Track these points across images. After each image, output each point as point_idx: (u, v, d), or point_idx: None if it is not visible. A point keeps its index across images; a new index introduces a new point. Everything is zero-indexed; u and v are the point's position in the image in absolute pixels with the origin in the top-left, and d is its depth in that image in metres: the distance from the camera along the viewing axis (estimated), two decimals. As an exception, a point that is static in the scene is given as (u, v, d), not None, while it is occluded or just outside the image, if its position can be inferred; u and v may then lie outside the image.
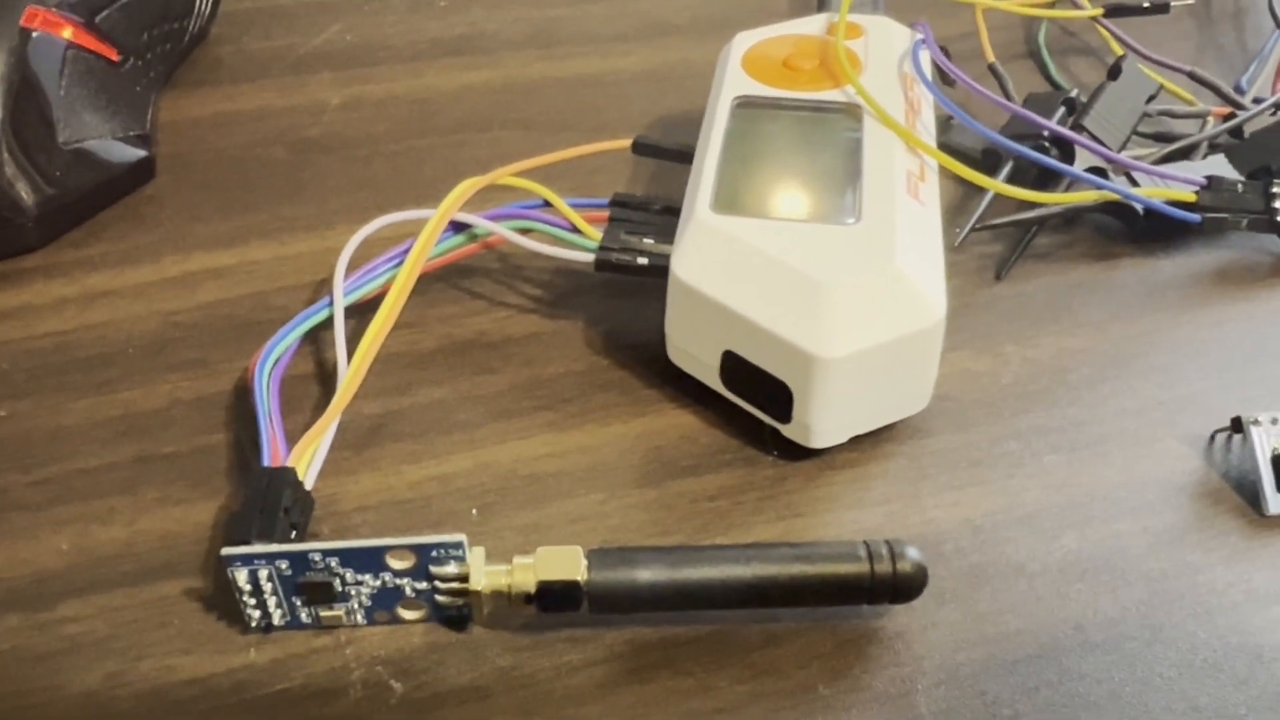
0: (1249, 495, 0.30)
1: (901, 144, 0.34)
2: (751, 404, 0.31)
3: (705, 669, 0.26)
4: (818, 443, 0.30)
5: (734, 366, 0.30)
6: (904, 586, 0.26)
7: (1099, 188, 0.35)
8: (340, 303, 0.32)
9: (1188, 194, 0.36)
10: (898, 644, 0.27)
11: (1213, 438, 0.31)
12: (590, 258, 0.33)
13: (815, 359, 0.28)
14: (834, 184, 0.32)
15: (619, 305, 0.35)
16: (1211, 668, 0.26)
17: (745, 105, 0.35)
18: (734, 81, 0.36)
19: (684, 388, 0.32)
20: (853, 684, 0.26)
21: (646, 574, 0.26)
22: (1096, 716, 0.25)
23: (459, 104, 0.45)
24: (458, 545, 0.25)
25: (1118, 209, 0.37)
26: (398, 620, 0.27)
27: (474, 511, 0.29)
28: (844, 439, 0.30)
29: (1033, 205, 0.37)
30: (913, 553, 0.26)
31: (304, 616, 0.26)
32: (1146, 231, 0.38)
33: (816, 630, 0.27)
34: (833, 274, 0.29)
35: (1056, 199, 0.36)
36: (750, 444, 0.31)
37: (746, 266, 0.30)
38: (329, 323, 0.33)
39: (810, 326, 0.29)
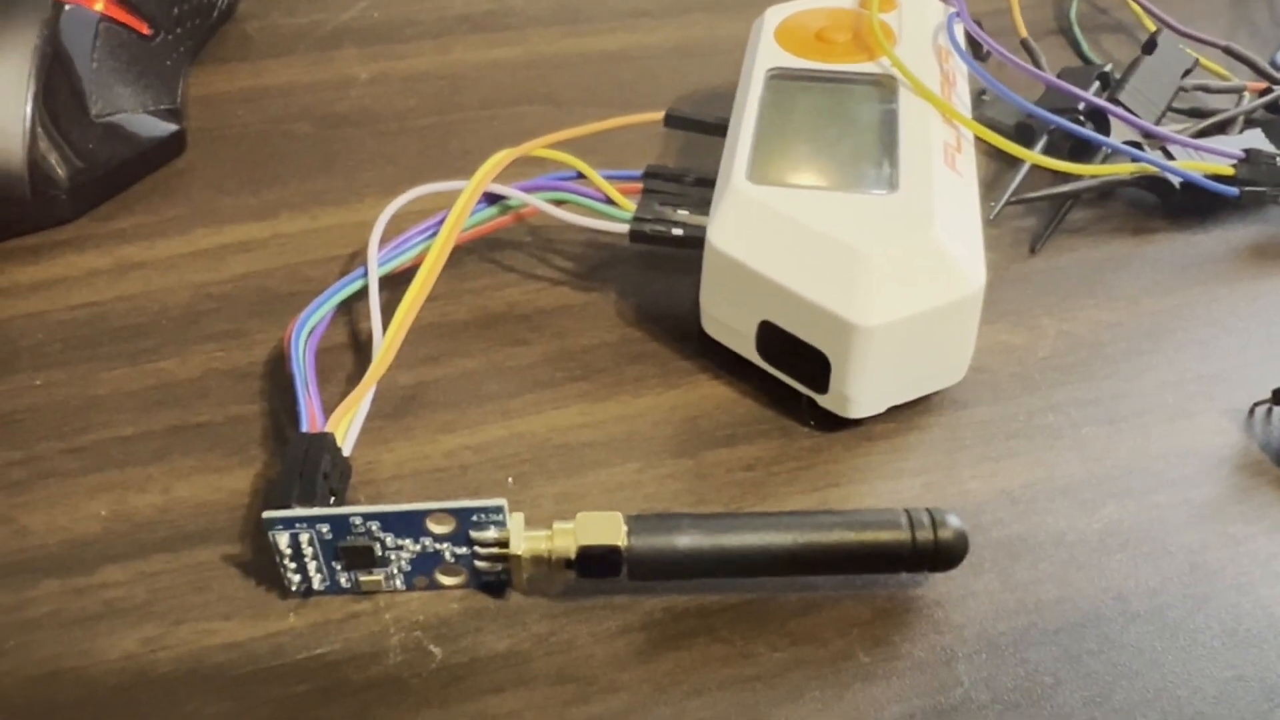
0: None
1: (937, 116, 0.34)
2: (789, 375, 0.31)
3: (743, 636, 0.26)
4: (855, 413, 0.30)
5: (771, 337, 0.30)
6: (945, 554, 0.26)
7: (1136, 159, 0.35)
8: (375, 273, 0.32)
9: (1225, 167, 0.36)
10: (937, 612, 0.26)
11: (1252, 410, 0.31)
12: (624, 229, 0.33)
13: (854, 327, 0.28)
14: (870, 155, 0.32)
15: (651, 277, 0.35)
16: (1255, 638, 0.26)
17: (779, 77, 0.35)
18: (767, 54, 0.36)
19: (718, 359, 0.32)
20: (893, 652, 0.26)
21: (686, 540, 0.25)
22: (1139, 684, 0.25)
23: (486, 80, 0.45)
24: (498, 510, 0.25)
25: (1153, 183, 0.37)
26: (437, 586, 0.27)
27: (510, 480, 0.29)
28: (881, 409, 0.30)
29: (1067, 179, 0.36)
30: (954, 520, 0.26)
31: (343, 581, 0.26)
32: (1182, 206, 0.37)
33: (854, 598, 0.27)
34: (871, 243, 0.29)
35: (1092, 170, 0.36)
36: (786, 415, 0.31)
37: (783, 236, 0.30)
38: (362, 294, 0.33)
39: (849, 295, 0.28)
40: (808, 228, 0.29)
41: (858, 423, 0.31)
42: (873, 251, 0.29)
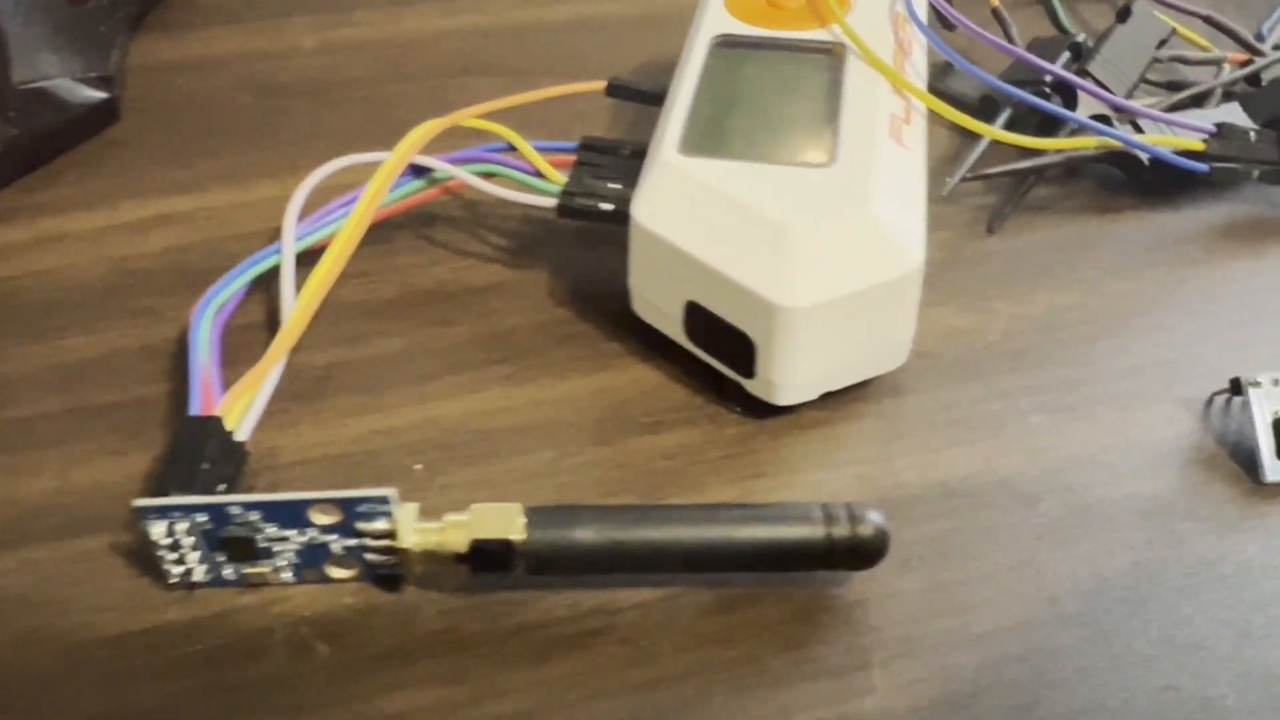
0: (1246, 462, 0.28)
1: (887, 86, 0.32)
2: (716, 358, 0.29)
3: (649, 636, 0.24)
4: (783, 399, 0.28)
5: (697, 318, 0.29)
6: (863, 552, 0.24)
7: (1100, 134, 0.33)
8: (290, 249, 0.31)
9: (1196, 142, 0.34)
10: (856, 613, 0.25)
11: (1211, 400, 0.29)
12: (553, 203, 0.31)
13: (778, 308, 0.27)
14: (811, 125, 0.30)
15: (587, 254, 0.34)
16: (1194, 646, 0.24)
17: (724, 44, 0.33)
18: (714, 20, 0.34)
19: (649, 341, 0.31)
20: (804, 655, 0.24)
21: (587, 534, 0.24)
22: (1066, 695, 0.23)
23: (437, 49, 0.43)
24: (384, 500, 0.24)
25: (1121, 159, 0.35)
26: (327, 579, 0.25)
27: (419, 467, 0.28)
28: (813, 396, 0.29)
29: (1030, 154, 0.35)
30: (874, 516, 0.24)
31: (228, 573, 0.25)
32: (1152, 183, 0.35)
33: (771, 597, 0.25)
34: (801, 218, 0.27)
35: (1054, 144, 0.34)
36: (715, 401, 0.29)
37: (710, 211, 0.28)
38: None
39: (774, 274, 0.27)
40: (735, 202, 0.28)
41: (789, 410, 0.29)
42: (801, 228, 0.27)
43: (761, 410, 0.29)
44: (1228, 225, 0.35)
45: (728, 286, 0.27)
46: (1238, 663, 0.24)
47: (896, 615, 0.25)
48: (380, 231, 0.34)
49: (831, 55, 0.33)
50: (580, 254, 0.34)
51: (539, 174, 0.32)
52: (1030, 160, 0.35)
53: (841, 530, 0.24)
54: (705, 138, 0.30)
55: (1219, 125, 0.34)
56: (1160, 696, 0.23)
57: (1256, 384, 0.28)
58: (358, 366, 0.30)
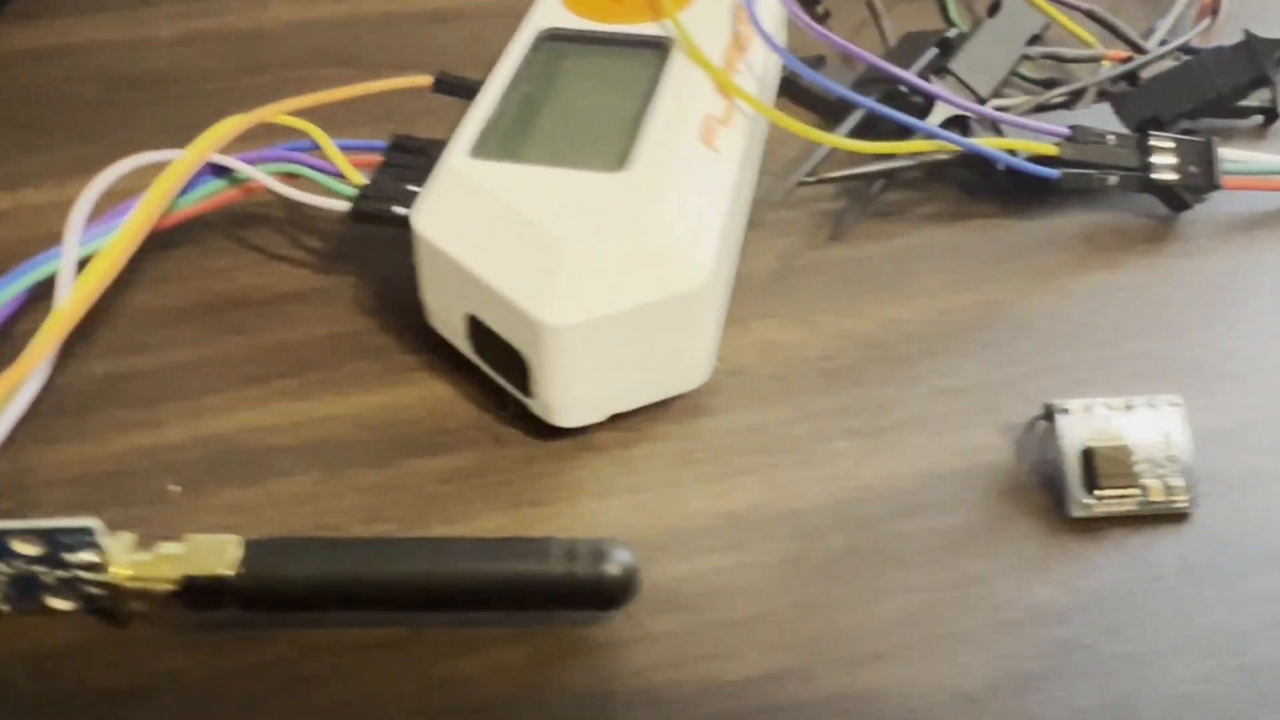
0: (1056, 494, 0.26)
1: (709, 85, 0.30)
2: (500, 375, 0.27)
3: (377, 681, 0.23)
4: (564, 420, 0.27)
5: (479, 333, 0.27)
6: (608, 593, 0.22)
7: (942, 139, 0.31)
8: (73, 253, 0.29)
9: (1049, 146, 0.32)
10: (603, 657, 0.23)
11: (1032, 426, 0.27)
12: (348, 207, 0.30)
13: (543, 326, 0.25)
14: (615, 127, 0.28)
15: (403, 262, 0.32)
16: (967, 700, 0.22)
17: (549, 38, 0.32)
18: (546, 12, 0.33)
19: (448, 356, 0.29)
20: (536, 703, 0.22)
21: (306, 570, 0.22)
22: (813, 752, 0.22)
23: (298, 40, 0.41)
24: (88, 531, 0.22)
25: (978, 164, 0.33)
26: (48, 611, 0.24)
27: (176, 488, 0.26)
28: (599, 417, 0.27)
29: (876, 159, 0.33)
30: (621, 555, 0.23)
31: (-61, 604, 0.23)
32: (1012, 189, 0.33)
33: (516, 638, 0.23)
34: (575, 229, 0.25)
35: (887, 148, 0.31)
36: (505, 421, 0.28)
37: (489, 220, 0.26)
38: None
39: (543, 289, 0.25)
40: (514, 211, 0.26)
41: (580, 431, 0.27)
42: (573, 239, 0.25)
43: (549, 432, 0.27)
44: (1086, 235, 0.33)
45: (498, 301, 0.26)
46: (1015, 716, 0.22)
47: (649, 660, 0.23)
48: (193, 233, 0.32)
49: (659, 51, 0.31)
50: (397, 261, 0.32)
51: (341, 175, 0.30)
52: (876, 164, 0.33)
53: (583, 569, 0.22)
54: (503, 140, 0.28)
55: (1073, 129, 0.32)
56: (914, 756, 0.22)
57: (1065, 411, 0.26)
58: (138, 378, 0.29)
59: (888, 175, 0.33)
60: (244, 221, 0.33)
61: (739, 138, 0.30)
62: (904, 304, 0.31)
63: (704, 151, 0.28)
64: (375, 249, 0.32)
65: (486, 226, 0.26)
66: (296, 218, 0.33)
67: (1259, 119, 0.36)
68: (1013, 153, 0.32)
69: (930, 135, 0.31)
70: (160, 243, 0.32)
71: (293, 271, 0.32)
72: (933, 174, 0.35)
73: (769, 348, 0.29)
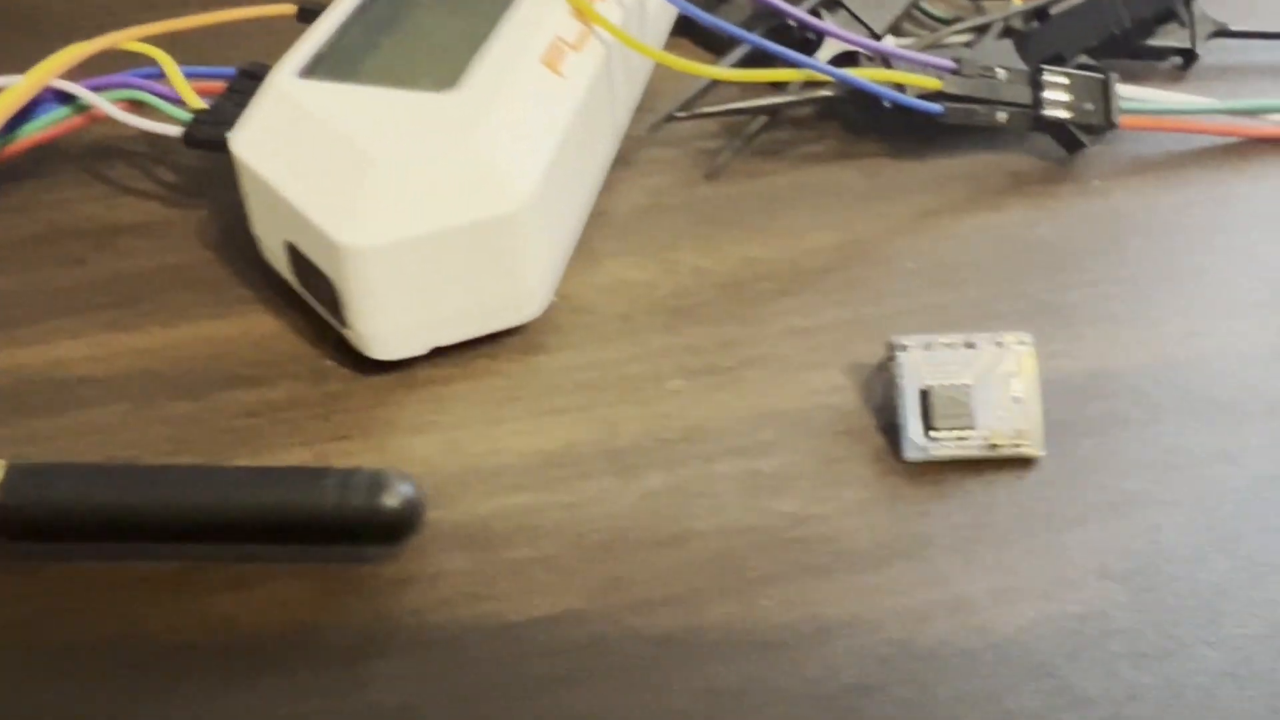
0: (895, 437, 0.24)
1: (563, 8, 0.28)
2: (321, 305, 0.26)
3: (147, 615, 0.22)
4: (379, 352, 0.25)
5: (298, 261, 0.26)
6: (387, 526, 0.21)
7: (813, 70, 0.29)
8: (-100, 178, 0.28)
9: (935, 81, 0.30)
10: (385, 595, 0.22)
11: (882, 367, 0.26)
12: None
13: (344, 249, 0.23)
14: (458, 46, 0.27)
15: (254, 194, 0.31)
16: (763, 646, 0.21)
17: (409, -39, 0.30)
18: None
19: (282, 290, 0.28)
20: (306, 640, 0.21)
21: (68, 497, 0.21)
22: (570, 698, 0.20)
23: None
24: None
25: (870, 103, 0.31)
26: None
27: (-25, 418, 0.25)
28: (419, 350, 0.26)
29: (773, 94, 0.31)
30: (403, 488, 0.21)
31: None
32: (906, 131, 0.32)
33: (300, 574, 0.22)
34: (391, 149, 0.24)
35: (754, 76, 0.30)
36: (329, 355, 0.26)
37: (306, 142, 0.25)
38: (-99, 201, 0.29)
39: (348, 211, 0.24)
40: (330, 131, 0.25)
41: (402, 366, 0.26)
42: (386, 159, 0.24)
43: (371, 367, 0.26)
44: (976, 176, 0.31)
45: (306, 225, 0.24)
46: (809, 667, 0.21)
47: (434, 598, 0.22)
48: (44, 164, 0.31)
49: (519, -27, 0.30)
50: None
51: (184, 102, 0.29)
52: (755, 100, 0.31)
53: (359, 500, 0.21)
54: (338, 61, 0.27)
55: (958, 61, 0.30)
56: (701, 700, 0.20)
57: (904, 347, 0.24)
58: (-39, 308, 0.28)
59: (769, 112, 0.32)
60: (97, 153, 0.32)
61: (592, 64, 0.28)
62: (768, 243, 0.29)
63: (546, 75, 0.27)
64: (227, 181, 0.31)
65: (302, 148, 0.25)
66: (154, 150, 0.32)
67: (1178, 60, 0.34)
68: (902, 89, 0.30)
69: (808, 68, 0.29)
70: (6, 173, 0.31)
71: (139, 203, 0.31)
72: (823, 113, 0.33)
73: (619, 285, 0.28)
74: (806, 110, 0.33)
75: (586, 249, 0.29)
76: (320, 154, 0.24)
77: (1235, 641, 0.21)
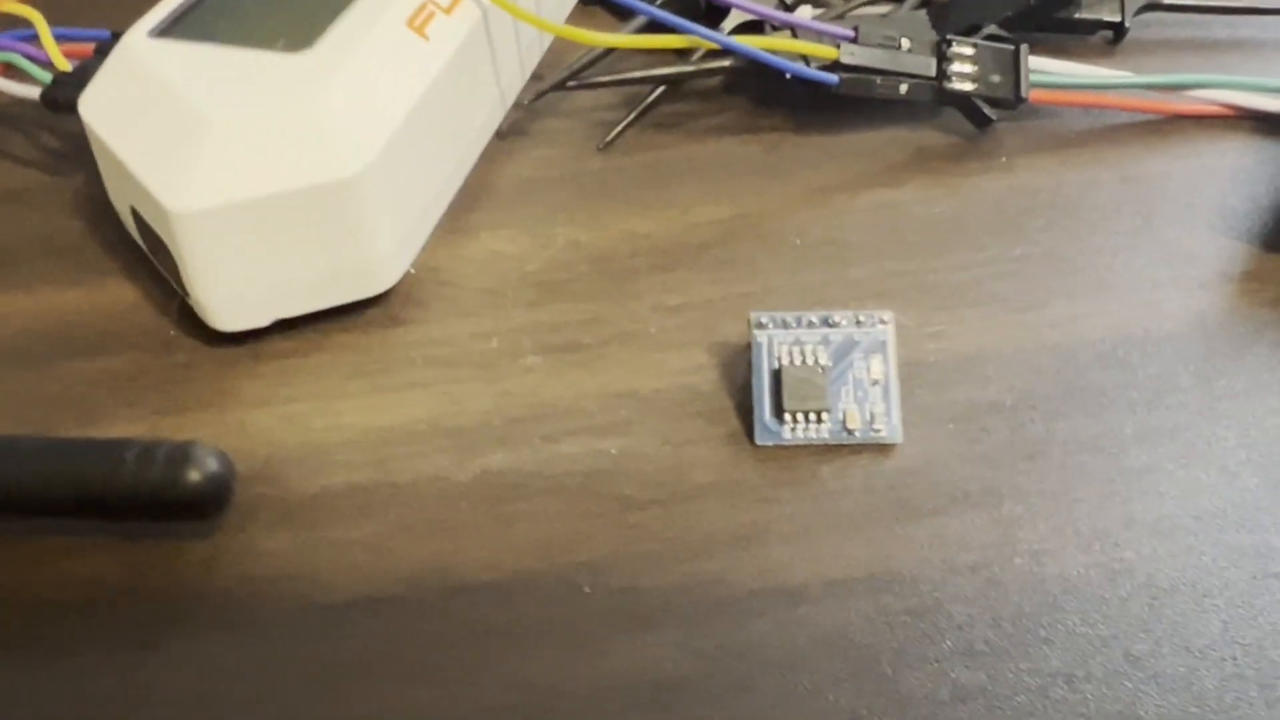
0: (750, 420, 0.23)
1: (444, -29, 0.27)
2: (167, 273, 0.25)
3: (-55, 588, 0.21)
4: (220, 323, 0.24)
5: (142, 227, 0.25)
6: (187, 501, 0.20)
7: (692, 34, 0.28)
8: None
9: (831, 50, 0.29)
10: (195, 573, 0.21)
11: (747, 347, 0.24)
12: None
13: (170, 213, 0.22)
14: (322, 9, 0.26)
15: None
16: (580, 638, 0.20)
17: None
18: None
19: (142, 258, 0.27)
20: (103, 620, 0.20)
21: None
22: (371, 690, 0.19)
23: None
24: None
25: (774, 75, 0.30)
26: None
27: None
28: (264, 320, 0.25)
29: (671, 64, 0.30)
30: (209, 462, 0.20)
31: None
32: (813, 105, 0.30)
33: (102, 548, 0.21)
34: (229, 111, 0.23)
35: (645, 42, 0.28)
36: (181, 327, 0.26)
37: (148, 103, 0.24)
38: None
39: (180, 174, 0.23)
40: (170, 91, 0.24)
41: (255, 337, 0.25)
42: (222, 120, 0.23)
43: (221, 339, 0.25)
44: (877, 151, 0.30)
45: (141, 189, 0.23)
46: (630, 657, 0.20)
47: (244, 578, 0.21)
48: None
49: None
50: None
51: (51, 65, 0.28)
52: (650, 70, 0.30)
53: (159, 475, 0.20)
54: (197, 20, 0.26)
55: (857, 30, 0.29)
56: (514, 693, 0.19)
57: (761, 325, 0.23)
58: None
59: (666, 82, 0.30)
60: (-9, 118, 0.31)
61: (464, 28, 0.27)
62: (652, 217, 0.28)
63: (410, 37, 0.26)
64: (111, 149, 0.30)
65: (143, 110, 0.24)
66: (37, 115, 0.31)
67: (1108, 34, 0.33)
68: (806, 61, 0.29)
69: (686, 32, 0.28)
70: (-120, 137, 0.30)
71: (19, 170, 0.30)
72: (731, 87, 0.32)
73: (491, 259, 0.27)
74: (713, 82, 0.31)
75: (459, 220, 0.28)
76: (159, 115, 0.24)
77: (1076, 641, 0.20)
